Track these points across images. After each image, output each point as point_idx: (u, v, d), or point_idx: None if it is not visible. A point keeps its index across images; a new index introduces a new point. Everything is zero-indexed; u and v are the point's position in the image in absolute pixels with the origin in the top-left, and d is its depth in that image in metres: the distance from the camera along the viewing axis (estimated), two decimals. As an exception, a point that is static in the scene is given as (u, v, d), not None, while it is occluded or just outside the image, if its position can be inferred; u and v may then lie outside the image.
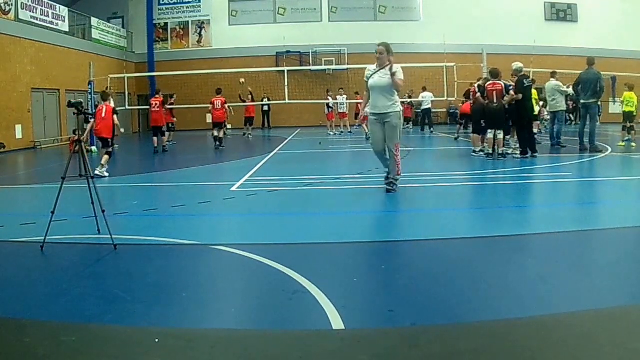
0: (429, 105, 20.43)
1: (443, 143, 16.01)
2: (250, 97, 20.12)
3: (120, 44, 25.14)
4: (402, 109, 6.94)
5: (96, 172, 9.87)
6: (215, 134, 14.80)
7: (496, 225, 5.32)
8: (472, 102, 12.30)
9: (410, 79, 21.39)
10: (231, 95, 20.49)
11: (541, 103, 13.86)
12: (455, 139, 16.10)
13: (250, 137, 19.43)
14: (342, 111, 19.93)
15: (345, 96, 20.10)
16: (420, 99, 20.67)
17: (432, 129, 20.17)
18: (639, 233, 4.84)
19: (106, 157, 9.64)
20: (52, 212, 4.45)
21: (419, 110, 21.89)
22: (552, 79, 12.48)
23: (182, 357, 2.55)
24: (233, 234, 5.18)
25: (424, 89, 20.69)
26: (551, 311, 2.97)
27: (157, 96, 14.85)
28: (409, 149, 13.93)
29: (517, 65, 10.67)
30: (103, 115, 9.87)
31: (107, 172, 9.54)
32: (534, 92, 12.95)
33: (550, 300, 3.16)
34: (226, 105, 15.22)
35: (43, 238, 4.38)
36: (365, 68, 7.12)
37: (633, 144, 12.45)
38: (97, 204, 4.69)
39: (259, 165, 10.49)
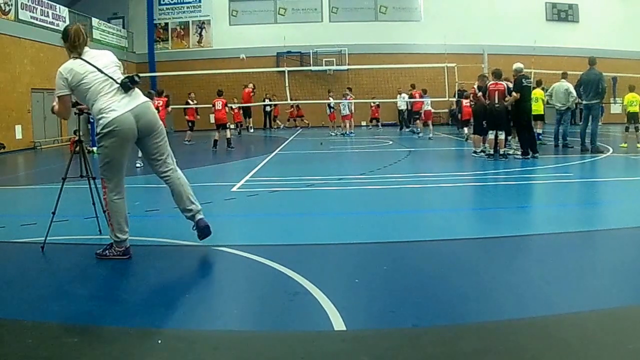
0: (404, 107, 21.01)
1: (443, 144, 16.00)
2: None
3: (121, 44, 25.14)
4: (101, 127, 3.91)
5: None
6: (228, 135, 14.80)
7: (497, 226, 5.32)
8: (472, 102, 12.31)
9: (411, 79, 21.66)
10: (233, 95, 20.55)
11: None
12: (418, 134, 17.70)
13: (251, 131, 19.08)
14: (345, 113, 19.72)
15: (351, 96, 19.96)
16: (397, 99, 20.98)
17: (402, 129, 20.91)
18: (640, 234, 4.83)
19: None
20: (53, 213, 4.44)
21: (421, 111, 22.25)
22: (562, 80, 12.47)
23: (184, 358, 2.55)
24: (234, 235, 5.17)
25: (400, 92, 20.95)
26: (553, 311, 2.97)
27: (162, 96, 14.73)
28: (409, 149, 13.93)
29: (517, 65, 10.67)
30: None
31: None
32: (540, 92, 12.97)
33: (551, 300, 3.16)
34: (226, 107, 15.22)
35: (44, 238, 4.38)
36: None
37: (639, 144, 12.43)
38: (98, 205, 4.68)
39: (259, 166, 10.49)
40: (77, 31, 4.05)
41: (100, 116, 3.94)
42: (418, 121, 18.21)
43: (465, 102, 15.90)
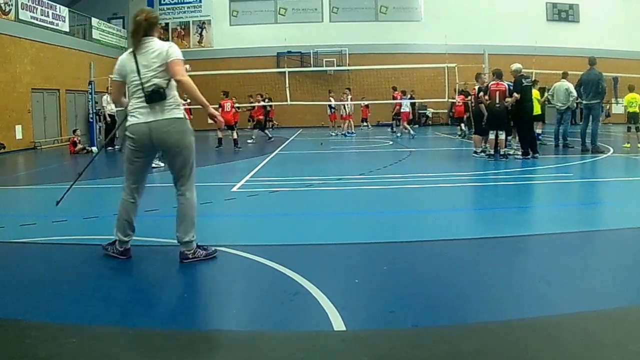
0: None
1: (443, 144, 16.01)
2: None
3: (121, 44, 25.11)
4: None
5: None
6: (235, 136, 14.79)
7: (498, 226, 5.32)
8: (472, 103, 12.33)
9: (411, 79, 21.66)
10: (233, 95, 20.55)
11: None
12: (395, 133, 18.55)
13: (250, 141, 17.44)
14: (343, 114, 19.78)
15: (350, 97, 19.92)
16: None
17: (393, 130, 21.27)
18: (641, 234, 4.82)
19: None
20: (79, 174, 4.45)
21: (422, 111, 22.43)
22: (563, 80, 12.48)
23: (183, 358, 2.54)
24: (234, 235, 5.17)
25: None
26: (553, 312, 2.96)
27: None
28: (409, 149, 13.93)
29: (515, 65, 10.66)
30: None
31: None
32: (536, 92, 12.98)
33: (552, 301, 3.15)
34: (234, 108, 15.27)
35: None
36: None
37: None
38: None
39: (260, 166, 10.49)
40: (135, 22, 3.91)
41: (127, 117, 4.01)
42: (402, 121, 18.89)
43: (458, 100, 16.21)
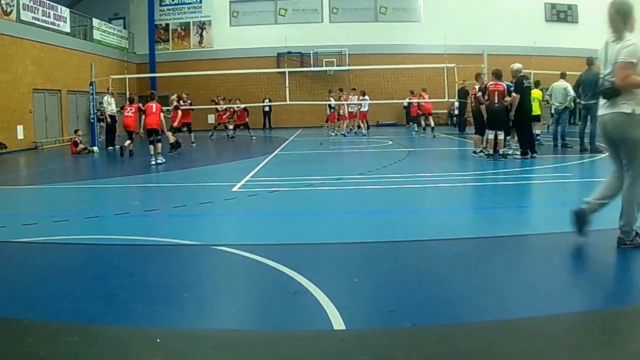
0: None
1: (442, 144, 16.02)
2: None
3: (122, 45, 25.15)
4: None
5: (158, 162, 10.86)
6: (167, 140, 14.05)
7: (497, 226, 5.32)
8: (472, 103, 12.34)
9: (410, 79, 21.66)
10: (233, 96, 20.57)
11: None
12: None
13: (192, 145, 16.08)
14: (352, 110, 19.84)
15: (356, 97, 19.92)
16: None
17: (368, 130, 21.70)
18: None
19: (159, 145, 11.23)
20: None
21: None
22: (561, 80, 12.50)
23: (183, 357, 2.55)
24: (234, 235, 5.18)
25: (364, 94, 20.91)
26: (552, 311, 2.97)
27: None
28: (409, 149, 13.94)
29: (516, 66, 10.67)
30: (153, 110, 11.57)
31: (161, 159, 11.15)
32: (539, 92, 13.02)
33: (551, 300, 3.16)
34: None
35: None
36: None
37: None
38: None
39: (260, 166, 10.50)
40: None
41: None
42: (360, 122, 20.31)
43: (414, 101, 18.79)
